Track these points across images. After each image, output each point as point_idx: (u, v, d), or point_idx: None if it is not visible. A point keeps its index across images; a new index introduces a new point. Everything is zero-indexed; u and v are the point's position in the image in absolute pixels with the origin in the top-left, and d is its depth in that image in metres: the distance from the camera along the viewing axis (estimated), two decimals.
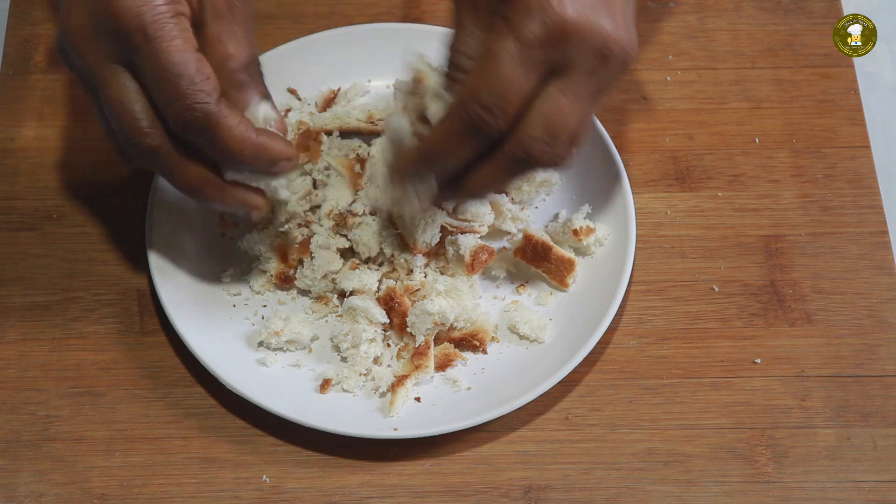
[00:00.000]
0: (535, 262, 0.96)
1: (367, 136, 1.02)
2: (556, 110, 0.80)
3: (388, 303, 0.93)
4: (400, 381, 0.91)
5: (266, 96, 0.87)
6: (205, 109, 0.82)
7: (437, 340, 0.94)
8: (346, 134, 1.02)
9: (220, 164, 0.86)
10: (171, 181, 0.87)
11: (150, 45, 0.81)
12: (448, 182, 0.85)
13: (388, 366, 0.94)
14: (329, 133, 1.01)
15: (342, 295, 0.95)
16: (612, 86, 0.82)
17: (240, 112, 0.85)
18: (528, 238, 0.96)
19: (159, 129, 0.83)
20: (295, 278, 0.96)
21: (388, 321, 0.93)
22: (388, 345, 0.95)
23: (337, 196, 0.97)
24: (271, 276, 0.96)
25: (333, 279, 0.95)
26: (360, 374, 0.92)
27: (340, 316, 0.95)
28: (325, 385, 0.92)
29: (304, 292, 0.96)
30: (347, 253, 0.96)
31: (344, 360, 0.93)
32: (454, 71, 0.83)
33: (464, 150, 0.83)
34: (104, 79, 0.83)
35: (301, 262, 0.96)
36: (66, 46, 0.84)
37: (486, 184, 0.85)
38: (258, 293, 0.96)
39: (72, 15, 0.82)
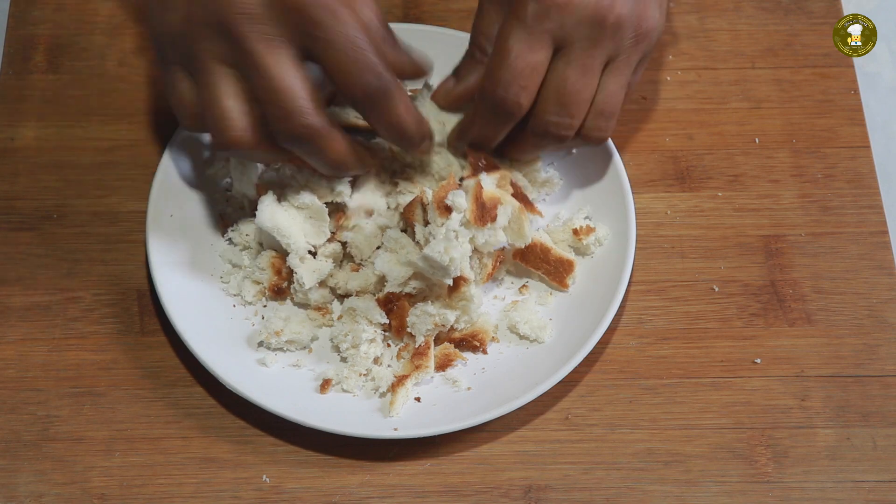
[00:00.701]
0: (534, 263, 0.96)
1: (365, 132, 1.02)
2: (563, 82, 0.89)
3: (388, 304, 0.93)
4: (400, 381, 0.91)
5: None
6: (384, 84, 0.85)
7: (437, 340, 0.94)
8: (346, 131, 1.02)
9: (372, 135, 0.92)
10: (318, 157, 0.88)
11: (332, 20, 0.83)
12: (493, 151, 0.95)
13: (388, 366, 0.94)
14: None
15: (346, 296, 0.95)
16: (631, 56, 0.90)
17: (403, 94, 0.88)
18: None
19: (321, 107, 0.86)
20: (289, 291, 0.95)
21: (387, 322, 0.93)
22: (388, 345, 0.95)
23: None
24: (264, 287, 0.95)
25: (331, 288, 0.95)
26: (360, 375, 0.92)
27: (340, 317, 0.95)
28: (325, 385, 0.92)
29: (303, 305, 0.96)
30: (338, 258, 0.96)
31: (344, 360, 0.93)
32: (475, 50, 0.93)
33: (495, 129, 0.92)
34: (268, 59, 0.83)
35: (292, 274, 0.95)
36: (222, 26, 0.83)
37: (524, 153, 0.95)
38: (250, 303, 0.96)
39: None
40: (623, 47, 0.89)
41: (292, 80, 0.83)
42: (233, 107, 0.85)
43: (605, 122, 0.91)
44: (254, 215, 0.93)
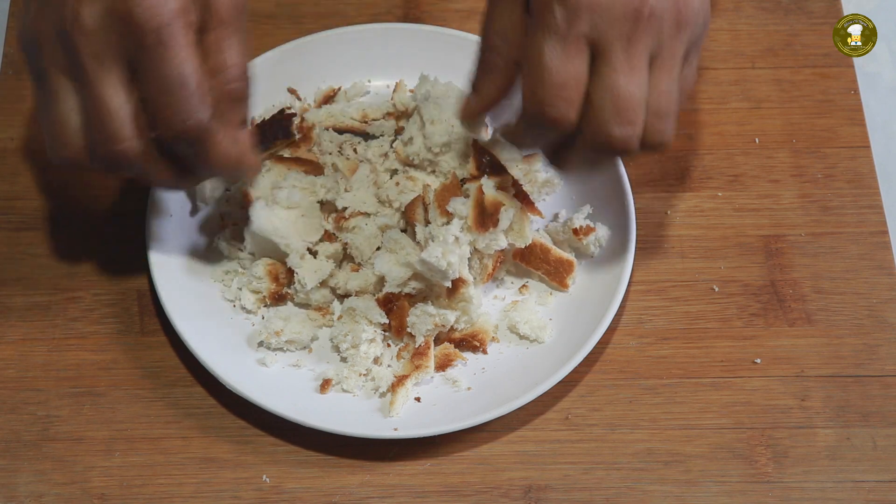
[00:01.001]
0: (534, 264, 0.96)
1: (361, 134, 1.02)
2: (614, 87, 0.81)
3: (388, 304, 0.93)
4: (400, 381, 0.91)
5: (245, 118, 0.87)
6: (200, 124, 0.82)
7: (437, 340, 0.94)
8: (339, 131, 1.02)
9: (192, 168, 0.86)
10: (141, 180, 0.86)
11: (161, 49, 0.80)
12: (552, 156, 0.89)
13: (388, 366, 0.94)
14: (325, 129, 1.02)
15: (346, 296, 0.95)
16: (675, 48, 0.83)
17: (228, 126, 0.84)
18: None
19: (142, 136, 0.82)
20: (288, 294, 0.95)
21: (387, 322, 0.93)
22: (388, 345, 0.95)
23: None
24: (264, 296, 0.95)
25: (332, 288, 0.95)
26: (360, 375, 0.92)
27: (340, 317, 0.95)
28: (325, 385, 0.92)
29: (304, 305, 0.96)
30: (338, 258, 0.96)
31: (344, 360, 0.93)
32: (489, 54, 0.86)
33: (547, 143, 0.86)
34: (97, 76, 0.81)
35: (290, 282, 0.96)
36: (65, 38, 0.81)
37: (583, 167, 0.87)
38: (250, 311, 0.96)
39: (83, 7, 0.80)
40: (665, 39, 0.83)
41: (116, 102, 0.81)
42: (67, 122, 0.83)
43: (663, 123, 0.84)
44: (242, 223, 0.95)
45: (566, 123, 0.83)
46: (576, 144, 0.85)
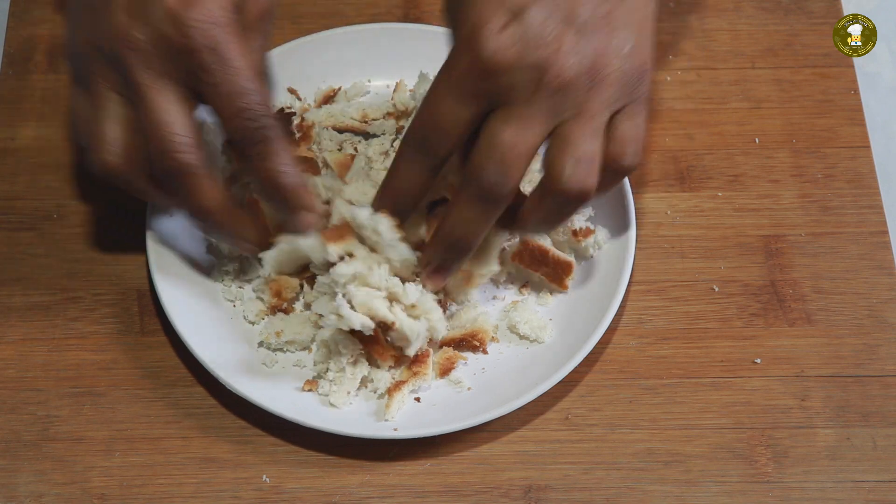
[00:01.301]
0: (533, 265, 0.96)
1: (361, 134, 1.02)
2: (498, 138, 0.81)
3: (360, 334, 0.90)
4: (397, 385, 0.91)
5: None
6: (266, 126, 0.84)
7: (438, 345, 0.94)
8: (339, 131, 1.02)
9: (254, 186, 0.89)
10: (186, 200, 0.86)
11: (220, 65, 0.82)
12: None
13: (390, 367, 0.93)
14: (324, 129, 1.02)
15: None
16: (590, 105, 0.82)
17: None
18: (524, 242, 0.96)
19: (200, 146, 0.84)
20: (291, 310, 0.95)
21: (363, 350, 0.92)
22: (377, 366, 0.93)
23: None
24: (266, 308, 0.95)
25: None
26: (348, 393, 0.91)
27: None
28: (307, 384, 0.91)
29: (310, 306, 0.96)
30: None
31: (332, 381, 0.92)
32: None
33: (416, 179, 0.86)
34: (152, 93, 0.83)
35: (302, 286, 0.95)
36: (114, 56, 0.83)
37: (463, 224, 0.86)
38: (252, 323, 0.95)
39: (132, 28, 0.82)
40: (578, 97, 0.81)
41: (174, 116, 0.83)
42: (112, 130, 0.85)
43: (586, 169, 0.82)
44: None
45: (432, 159, 0.84)
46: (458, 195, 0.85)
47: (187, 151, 0.84)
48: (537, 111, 0.81)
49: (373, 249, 0.90)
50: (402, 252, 0.89)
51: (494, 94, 0.81)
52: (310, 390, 0.92)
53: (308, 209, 0.88)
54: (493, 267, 0.93)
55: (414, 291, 0.89)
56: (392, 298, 0.89)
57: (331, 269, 0.88)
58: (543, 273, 0.96)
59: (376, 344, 0.90)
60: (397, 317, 0.89)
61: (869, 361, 0.95)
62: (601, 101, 0.82)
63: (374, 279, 0.88)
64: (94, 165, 0.86)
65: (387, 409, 0.90)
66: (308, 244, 0.90)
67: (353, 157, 0.99)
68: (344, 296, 0.87)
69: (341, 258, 0.89)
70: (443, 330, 0.92)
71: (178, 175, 0.84)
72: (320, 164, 0.99)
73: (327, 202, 0.94)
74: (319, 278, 0.92)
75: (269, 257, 0.92)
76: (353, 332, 0.90)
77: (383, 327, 0.89)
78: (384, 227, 0.88)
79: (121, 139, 0.85)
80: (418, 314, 0.90)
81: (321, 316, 0.91)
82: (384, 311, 0.88)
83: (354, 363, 0.91)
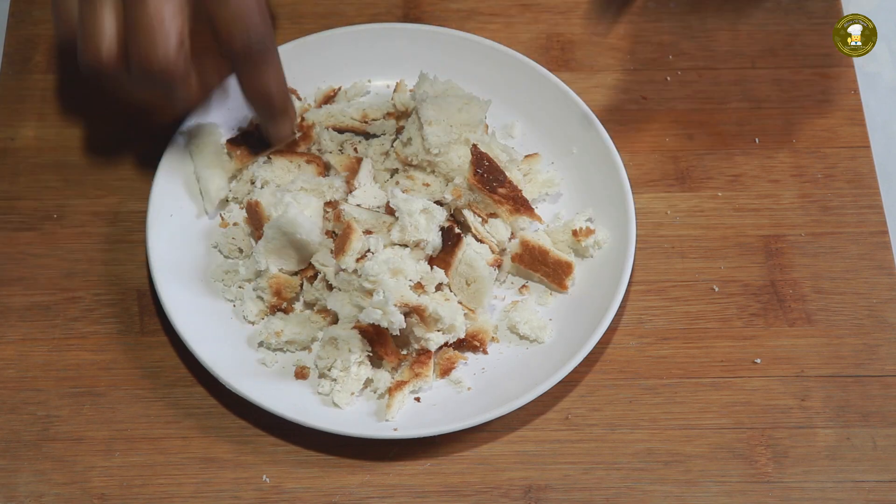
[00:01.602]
0: (533, 266, 0.96)
1: (361, 134, 1.02)
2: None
3: (369, 334, 0.91)
4: (398, 386, 0.91)
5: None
6: (264, 46, 0.89)
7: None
8: (339, 131, 1.02)
9: (244, 94, 0.93)
10: (170, 92, 0.89)
11: None
12: None
13: (392, 367, 0.93)
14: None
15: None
16: None
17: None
18: (524, 244, 0.96)
19: (186, 52, 0.87)
20: (291, 309, 0.95)
21: (370, 352, 0.92)
22: (380, 366, 0.93)
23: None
24: (265, 308, 0.95)
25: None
26: (352, 394, 0.91)
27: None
28: (299, 373, 0.92)
29: (310, 304, 0.96)
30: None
31: (334, 381, 0.92)
32: None
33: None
34: None
35: (302, 285, 0.95)
36: None
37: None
38: (251, 322, 0.95)
39: None
40: None
41: (170, 17, 0.86)
42: (106, 26, 0.87)
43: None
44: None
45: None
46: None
47: (174, 50, 0.86)
48: None
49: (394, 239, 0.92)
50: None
51: None
52: (302, 378, 0.92)
53: (291, 118, 0.95)
54: (488, 300, 0.95)
55: (439, 273, 0.92)
56: (418, 288, 0.91)
57: (361, 267, 0.90)
58: (543, 273, 0.96)
59: (385, 345, 0.91)
60: (430, 301, 0.91)
61: (869, 361, 0.95)
62: None
63: (409, 270, 0.90)
64: (85, 60, 0.88)
65: (387, 409, 0.90)
66: (300, 222, 0.92)
67: (359, 160, 0.99)
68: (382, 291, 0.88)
69: (361, 257, 0.90)
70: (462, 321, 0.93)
71: (163, 71, 0.86)
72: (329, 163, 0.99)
73: (331, 203, 0.95)
74: (341, 275, 0.92)
75: (260, 247, 0.92)
76: (362, 332, 0.90)
77: (419, 312, 0.90)
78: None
79: (113, 35, 0.87)
80: (446, 297, 0.92)
81: (324, 314, 0.91)
82: (415, 298, 0.90)
83: (360, 363, 0.91)
